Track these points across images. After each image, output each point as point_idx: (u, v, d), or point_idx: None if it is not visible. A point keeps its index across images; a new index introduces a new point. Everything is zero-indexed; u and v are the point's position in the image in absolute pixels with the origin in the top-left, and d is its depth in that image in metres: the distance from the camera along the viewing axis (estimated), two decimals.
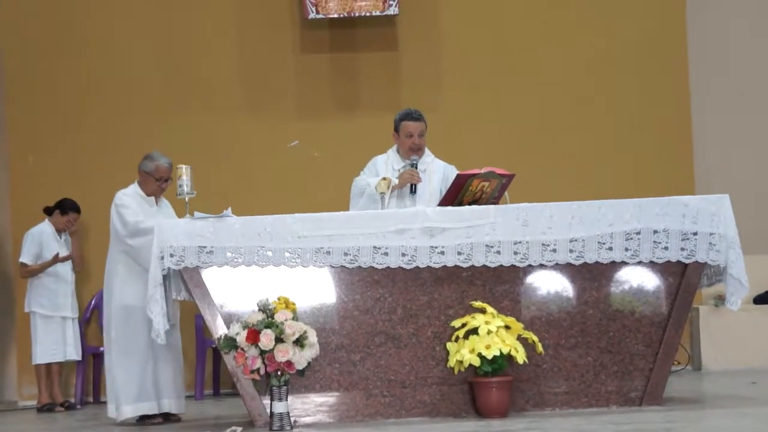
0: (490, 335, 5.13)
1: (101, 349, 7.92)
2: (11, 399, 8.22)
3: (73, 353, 7.60)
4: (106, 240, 7.93)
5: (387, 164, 6.02)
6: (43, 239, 7.64)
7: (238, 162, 8.25)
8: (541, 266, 5.39)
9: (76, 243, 7.77)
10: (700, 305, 8.13)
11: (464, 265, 5.34)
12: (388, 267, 5.33)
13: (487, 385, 5.18)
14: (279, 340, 5.01)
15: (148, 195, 6.09)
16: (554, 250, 5.34)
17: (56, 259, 7.58)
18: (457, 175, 5.64)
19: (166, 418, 5.96)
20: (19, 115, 8.28)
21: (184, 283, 5.50)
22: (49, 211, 7.75)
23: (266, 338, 4.98)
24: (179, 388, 5.99)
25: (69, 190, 7.90)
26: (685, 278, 5.42)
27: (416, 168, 5.92)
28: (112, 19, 8.37)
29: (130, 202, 6.00)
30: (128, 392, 5.83)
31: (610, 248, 5.35)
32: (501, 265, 5.36)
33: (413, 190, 5.87)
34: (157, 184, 6.06)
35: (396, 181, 5.86)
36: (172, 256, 5.30)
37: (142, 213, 5.97)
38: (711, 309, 8.12)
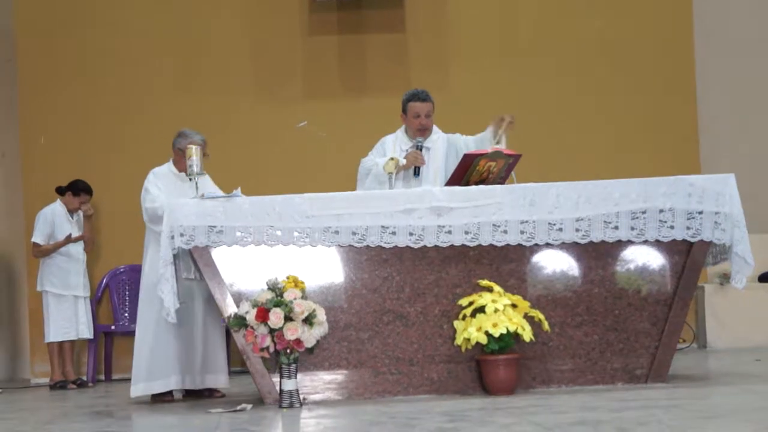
0: (497, 313, 5.14)
1: (112, 327, 8.03)
2: (24, 377, 8.30)
3: (85, 331, 7.65)
4: (117, 220, 8.03)
5: (395, 144, 6.03)
6: (55, 219, 7.66)
7: (247, 143, 8.25)
8: (548, 245, 5.39)
9: (88, 224, 7.81)
10: (705, 284, 8.12)
11: (471, 245, 5.34)
12: (396, 246, 5.34)
13: (494, 363, 5.20)
14: (288, 318, 5.01)
15: (182, 171, 6.07)
16: (560, 229, 5.34)
17: (68, 239, 7.61)
18: (465, 155, 5.64)
19: (197, 394, 6.02)
20: (30, 96, 8.30)
21: (194, 263, 5.51)
22: (61, 191, 7.76)
23: (275, 317, 4.99)
24: (214, 364, 6.02)
25: (80, 171, 7.93)
26: (690, 257, 5.41)
27: (421, 150, 5.93)
28: (123, 3, 8.36)
29: (155, 184, 5.96)
30: (145, 369, 5.86)
31: (616, 227, 5.35)
32: (508, 244, 5.36)
33: (417, 173, 5.88)
34: None
35: (404, 161, 5.87)
36: (182, 235, 5.31)
37: (174, 190, 5.93)
38: (716, 287, 8.10)
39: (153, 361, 5.88)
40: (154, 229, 5.90)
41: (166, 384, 5.91)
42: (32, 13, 8.31)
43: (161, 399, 5.96)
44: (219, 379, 6.07)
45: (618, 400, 4.75)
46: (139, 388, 5.91)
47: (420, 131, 5.98)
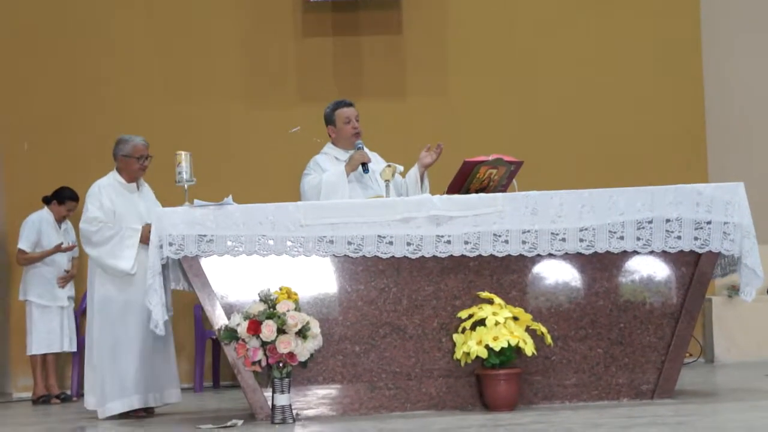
0: (497, 326, 5.08)
1: None
2: (6, 391, 8.12)
3: (69, 344, 7.51)
4: None
5: (329, 160, 5.91)
6: (42, 227, 7.53)
7: (239, 148, 8.15)
8: (550, 256, 5.32)
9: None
10: (713, 296, 8.04)
11: (471, 255, 5.28)
12: (393, 256, 5.27)
13: (494, 378, 5.13)
14: (281, 331, 4.95)
15: (130, 181, 5.96)
16: (564, 239, 5.28)
17: (58, 249, 7.47)
18: (464, 162, 5.57)
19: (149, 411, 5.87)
20: (13, 101, 8.15)
21: (183, 273, 5.42)
22: (47, 201, 7.64)
23: (268, 329, 4.93)
24: (172, 379, 5.88)
25: (66, 178, 7.78)
26: (698, 268, 5.35)
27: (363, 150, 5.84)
28: (109, 4, 8.23)
29: (96, 201, 5.84)
30: (113, 388, 5.70)
31: (621, 237, 5.28)
32: (509, 255, 5.29)
33: (366, 170, 5.81)
34: (138, 163, 5.93)
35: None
36: (171, 245, 5.24)
37: (123, 202, 5.84)
38: (724, 300, 8.04)
39: (125, 378, 5.71)
40: (85, 250, 5.81)
41: (128, 403, 5.72)
42: (14, 16, 8.16)
43: (134, 415, 5.79)
44: (173, 393, 5.91)
45: (624, 417, 4.71)
46: (114, 406, 5.72)
47: (355, 135, 5.91)
